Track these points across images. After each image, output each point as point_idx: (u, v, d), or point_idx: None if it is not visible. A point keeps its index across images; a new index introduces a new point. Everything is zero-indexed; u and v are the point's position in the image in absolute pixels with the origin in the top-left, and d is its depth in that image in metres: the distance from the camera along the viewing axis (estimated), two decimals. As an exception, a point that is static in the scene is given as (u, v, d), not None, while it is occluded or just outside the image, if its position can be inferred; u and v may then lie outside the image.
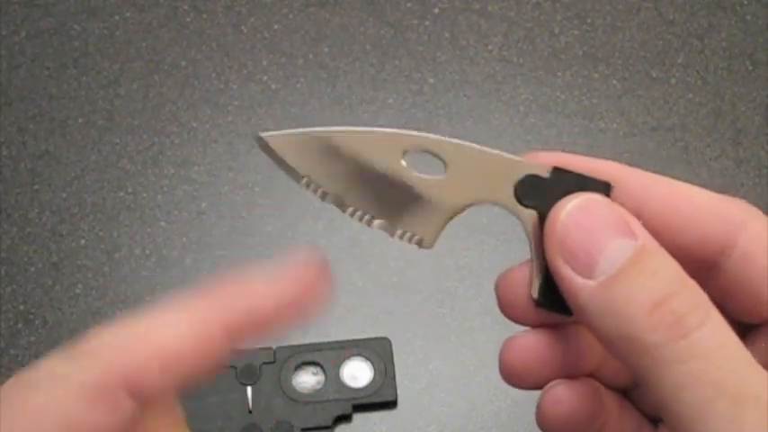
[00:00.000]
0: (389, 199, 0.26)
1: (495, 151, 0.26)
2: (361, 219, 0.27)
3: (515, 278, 0.27)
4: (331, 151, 0.27)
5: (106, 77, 0.47)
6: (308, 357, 0.38)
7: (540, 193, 0.25)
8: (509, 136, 0.45)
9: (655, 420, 0.29)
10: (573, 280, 0.24)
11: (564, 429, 0.27)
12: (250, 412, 0.37)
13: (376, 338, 0.39)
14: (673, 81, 0.47)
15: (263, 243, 0.43)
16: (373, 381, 0.38)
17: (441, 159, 0.26)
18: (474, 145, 0.26)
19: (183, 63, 0.47)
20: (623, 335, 0.23)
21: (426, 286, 0.43)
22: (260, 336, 0.25)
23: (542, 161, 0.25)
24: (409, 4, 0.48)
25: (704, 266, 0.26)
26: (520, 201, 0.26)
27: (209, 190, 0.45)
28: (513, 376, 0.27)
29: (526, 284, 0.27)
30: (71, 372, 0.23)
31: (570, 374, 0.27)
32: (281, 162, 0.27)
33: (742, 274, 0.26)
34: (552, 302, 0.26)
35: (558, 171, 0.25)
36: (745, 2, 0.49)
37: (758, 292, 0.26)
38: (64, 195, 0.44)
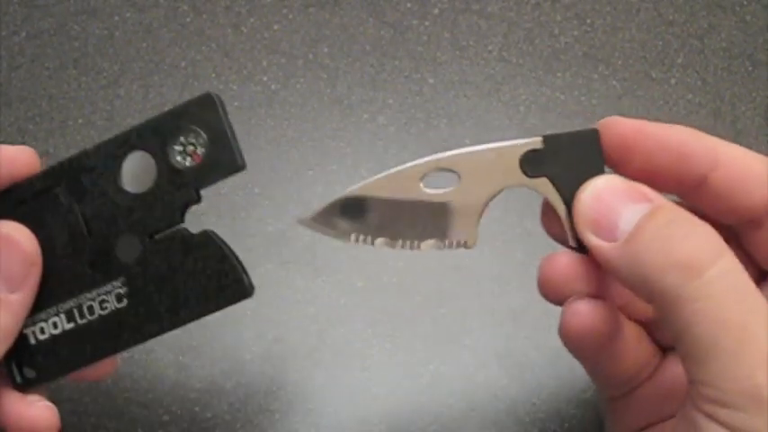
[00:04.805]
0: (424, 222, 0.31)
1: (493, 145, 0.30)
2: (411, 248, 0.31)
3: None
4: (359, 205, 0.31)
5: (106, 78, 0.47)
6: (130, 148, 0.31)
7: (541, 163, 0.30)
8: (509, 136, 0.45)
9: (665, 350, 0.33)
10: (599, 245, 0.28)
11: (582, 342, 0.30)
12: (89, 234, 0.31)
13: (195, 99, 0.31)
14: (673, 81, 0.47)
15: (263, 243, 0.43)
16: (209, 150, 0.31)
17: (453, 171, 0.30)
18: (475, 147, 0.31)
19: (183, 63, 0.47)
20: (645, 281, 0.26)
21: (426, 286, 0.43)
22: None
23: (620, 128, 0.29)
24: (409, 5, 0.48)
25: (739, 229, 0.30)
26: (528, 174, 0.30)
27: (209, 190, 0.45)
28: (548, 287, 0.30)
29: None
30: None
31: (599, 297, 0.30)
32: (327, 233, 0.31)
33: (760, 240, 0.29)
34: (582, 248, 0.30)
35: (549, 138, 0.30)
36: (745, 2, 0.49)
37: None
38: (64, 195, 0.44)
